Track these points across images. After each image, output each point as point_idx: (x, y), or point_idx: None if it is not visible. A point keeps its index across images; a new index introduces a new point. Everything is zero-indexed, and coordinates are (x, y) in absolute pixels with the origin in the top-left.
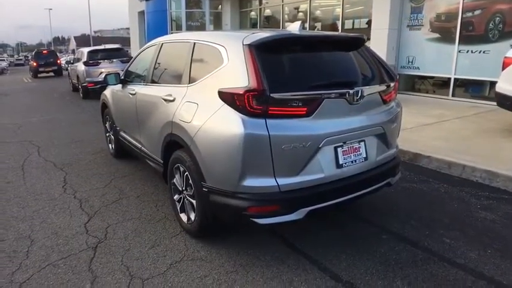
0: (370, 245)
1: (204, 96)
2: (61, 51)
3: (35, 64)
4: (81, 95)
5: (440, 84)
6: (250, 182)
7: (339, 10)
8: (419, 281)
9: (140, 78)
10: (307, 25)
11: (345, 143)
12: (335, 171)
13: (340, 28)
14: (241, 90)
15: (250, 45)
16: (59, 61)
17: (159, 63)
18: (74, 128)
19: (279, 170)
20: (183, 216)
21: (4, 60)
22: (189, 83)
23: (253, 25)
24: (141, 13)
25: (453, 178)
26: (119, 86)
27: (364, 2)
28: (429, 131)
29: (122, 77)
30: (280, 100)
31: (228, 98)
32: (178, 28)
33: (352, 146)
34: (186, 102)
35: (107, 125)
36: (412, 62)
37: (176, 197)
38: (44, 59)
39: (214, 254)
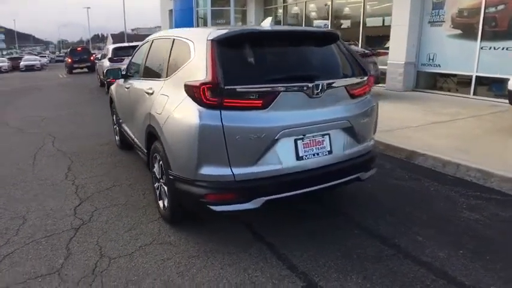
0: (339, 239)
1: (173, 89)
2: (99, 48)
3: (69, 60)
4: (107, 90)
5: (462, 82)
6: (207, 170)
7: (361, 7)
8: (376, 276)
9: (136, 73)
10: (328, 22)
11: (305, 135)
12: (295, 163)
13: (361, 25)
14: (197, 83)
15: (212, 41)
16: (92, 58)
17: (148, 59)
18: (94, 121)
19: (234, 159)
20: (161, 203)
21: (45, 56)
22: (166, 77)
23: (277, 23)
24: (171, 11)
25: (446, 177)
26: (122, 80)
27: None
28: (437, 129)
29: (124, 72)
30: (235, 92)
31: (189, 90)
32: (204, 25)
33: (315, 139)
34: (161, 95)
35: (114, 118)
36: (432, 60)
37: (156, 185)
38: (78, 56)
39: (183, 240)
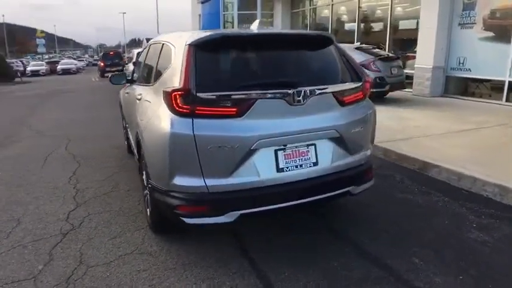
0: (326, 256)
1: (155, 95)
2: None
3: (102, 64)
4: None
5: (494, 88)
6: (179, 180)
7: (389, 10)
8: None
9: (136, 78)
10: (355, 25)
11: (286, 146)
12: (275, 175)
13: (388, 28)
14: (170, 89)
15: (190, 45)
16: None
17: (144, 64)
18: (113, 124)
19: (208, 170)
20: (148, 211)
21: (83, 60)
22: (153, 83)
23: (305, 27)
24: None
25: (460, 192)
26: (128, 85)
27: (416, 1)
28: (459, 138)
29: (129, 77)
30: (208, 100)
31: (164, 97)
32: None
33: (298, 150)
34: (145, 101)
35: (123, 122)
36: (463, 64)
37: (145, 192)
38: (110, 60)
39: (164, 251)
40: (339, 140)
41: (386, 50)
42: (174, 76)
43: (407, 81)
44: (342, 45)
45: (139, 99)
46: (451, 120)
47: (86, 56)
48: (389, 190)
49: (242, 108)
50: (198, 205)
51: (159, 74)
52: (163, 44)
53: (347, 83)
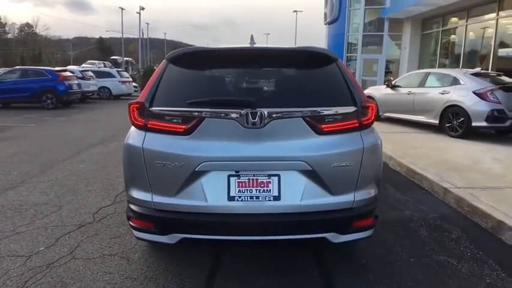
0: None
1: None
2: None
3: None
4: None
5: None
6: (134, 193)
7: None
8: None
9: None
10: (491, 49)
11: (238, 172)
12: (225, 204)
13: None
14: (130, 102)
15: (166, 59)
16: None
17: None
18: None
19: (155, 186)
20: None
21: None
22: None
23: (435, 49)
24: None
25: None
26: None
27: None
28: None
29: None
30: (159, 115)
31: None
32: (353, 51)
33: (256, 179)
34: None
35: None
36: None
37: None
38: None
39: (143, 260)
40: (312, 175)
41: None
42: None
43: None
44: (456, 70)
45: None
46: None
47: None
48: (430, 248)
49: (190, 126)
50: (145, 220)
51: None
52: None
53: (329, 108)
